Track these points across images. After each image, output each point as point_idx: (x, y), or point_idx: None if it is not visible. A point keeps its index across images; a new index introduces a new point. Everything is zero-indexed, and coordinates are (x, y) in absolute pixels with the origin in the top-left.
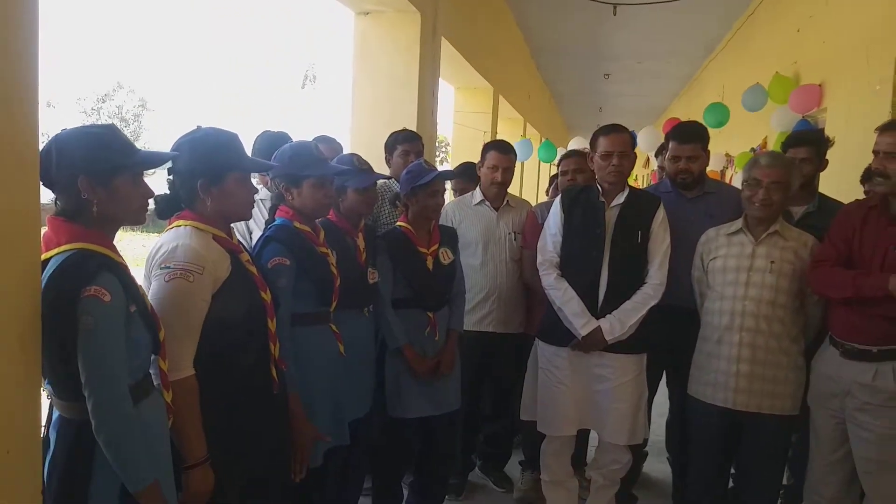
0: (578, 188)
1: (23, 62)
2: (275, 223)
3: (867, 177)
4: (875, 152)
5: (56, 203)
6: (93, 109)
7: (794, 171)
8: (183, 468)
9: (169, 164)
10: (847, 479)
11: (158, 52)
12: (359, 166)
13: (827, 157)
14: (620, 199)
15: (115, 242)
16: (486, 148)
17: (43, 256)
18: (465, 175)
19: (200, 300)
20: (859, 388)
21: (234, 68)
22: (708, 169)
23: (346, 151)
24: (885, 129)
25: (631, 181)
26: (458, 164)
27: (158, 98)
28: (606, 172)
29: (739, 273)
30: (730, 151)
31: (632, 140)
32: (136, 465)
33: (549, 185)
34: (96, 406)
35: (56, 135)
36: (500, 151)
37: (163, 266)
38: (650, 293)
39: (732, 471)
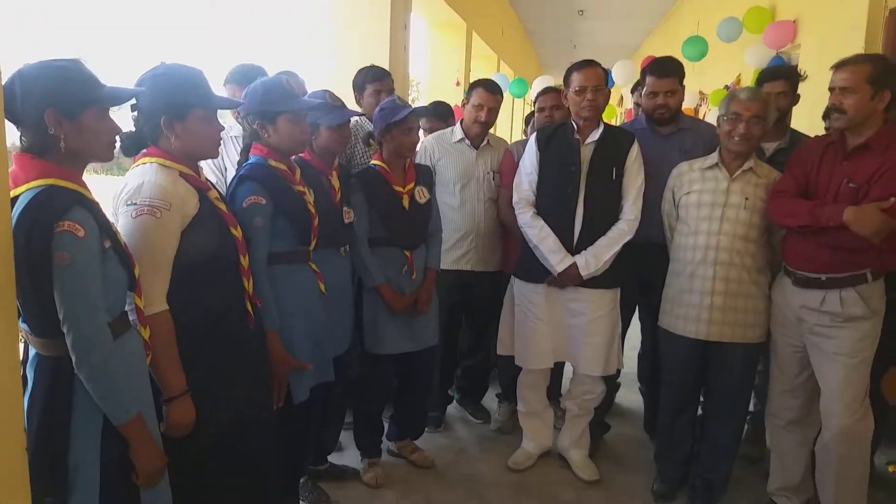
0: (554, 126)
1: None
2: (249, 161)
3: (827, 114)
4: (831, 89)
5: (21, 140)
6: None
7: (771, 106)
8: (163, 401)
9: (133, 101)
10: (806, 403)
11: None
12: (332, 103)
13: (799, 92)
14: (595, 136)
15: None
16: (474, 85)
17: (11, 194)
18: (437, 114)
19: (169, 236)
20: (808, 313)
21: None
22: (682, 106)
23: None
24: (839, 65)
25: (609, 117)
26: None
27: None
28: (581, 107)
29: (714, 208)
30: (703, 89)
31: (606, 76)
32: (119, 398)
33: (526, 124)
34: (76, 341)
35: (19, 69)
36: (488, 90)
37: (129, 203)
38: (625, 229)
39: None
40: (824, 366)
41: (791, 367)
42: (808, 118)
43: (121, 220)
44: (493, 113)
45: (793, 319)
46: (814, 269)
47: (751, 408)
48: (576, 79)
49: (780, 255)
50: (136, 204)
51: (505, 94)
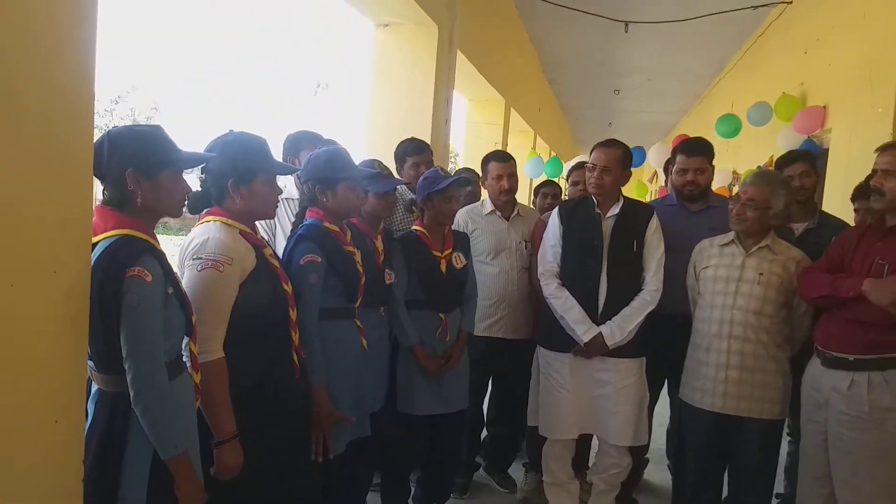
0: (577, 200)
1: (82, 62)
2: (306, 223)
3: (858, 194)
4: (874, 171)
5: (104, 193)
6: (105, 111)
7: (779, 191)
8: (214, 444)
9: (203, 165)
10: (833, 493)
11: (171, 55)
12: (380, 172)
13: (829, 174)
14: (615, 210)
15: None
16: (486, 160)
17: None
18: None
19: (229, 288)
20: (836, 397)
21: (247, 73)
22: (715, 185)
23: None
24: (883, 149)
25: (640, 195)
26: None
27: (171, 101)
28: (588, 184)
29: (729, 283)
30: (737, 168)
31: (621, 156)
32: (169, 434)
33: (534, 195)
34: (136, 377)
35: (108, 131)
36: (500, 160)
37: (195, 257)
38: (647, 299)
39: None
40: (840, 458)
41: (818, 455)
42: (840, 199)
43: (186, 272)
44: (513, 179)
45: (821, 403)
46: (842, 348)
47: (781, 489)
48: (591, 156)
49: (799, 331)
50: (201, 258)
51: (540, 171)
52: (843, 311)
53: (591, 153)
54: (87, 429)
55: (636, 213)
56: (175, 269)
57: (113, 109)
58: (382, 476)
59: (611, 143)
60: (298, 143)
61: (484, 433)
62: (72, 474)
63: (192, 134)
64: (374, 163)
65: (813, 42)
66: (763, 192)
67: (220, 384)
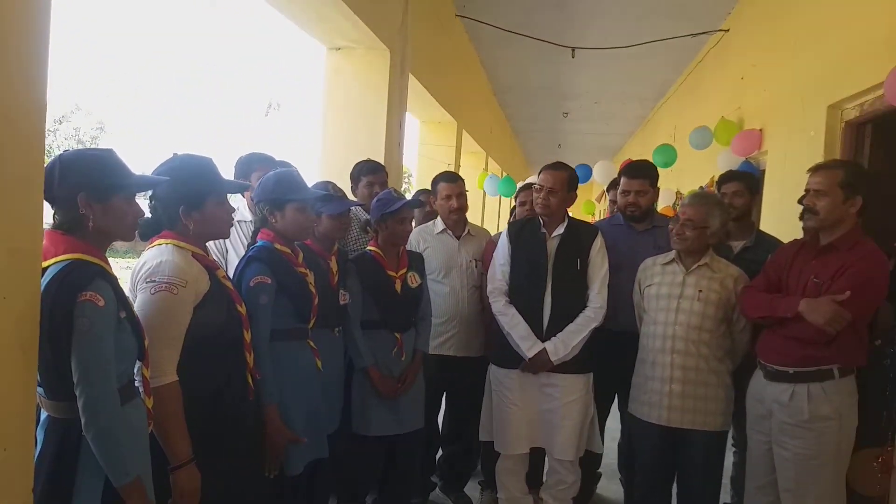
0: (524, 221)
1: (32, 84)
2: (257, 244)
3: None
4: (806, 190)
5: (54, 217)
6: (49, 131)
7: (715, 211)
8: (170, 469)
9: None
10: (777, 502)
11: (117, 74)
12: (334, 193)
13: (765, 194)
14: (560, 230)
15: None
16: (435, 181)
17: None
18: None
19: (183, 311)
20: (778, 408)
21: (197, 94)
22: (660, 205)
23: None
24: (814, 169)
25: (588, 213)
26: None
27: (117, 121)
28: (535, 204)
29: (671, 300)
30: (680, 189)
31: (567, 179)
32: (121, 460)
33: (510, 216)
34: (87, 403)
35: (59, 155)
36: (449, 181)
37: (148, 280)
38: (591, 316)
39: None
40: (784, 467)
41: (763, 464)
42: (775, 218)
43: (140, 295)
44: (462, 198)
45: (765, 414)
46: (782, 361)
47: (728, 499)
48: (539, 178)
49: (739, 345)
50: (155, 281)
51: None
52: (782, 329)
53: (538, 175)
54: (36, 457)
55: (580, 233)
56: (127, 293)
57: (56, 129)
58: (338, 497)
59: (558, 166)
60: (250, 164)
61: (439, 452)
62: (21, 503)
63: (140, 154)
64: (327, 185)
65: (749, 68)
66: (700, 212)
67: (174, 408)
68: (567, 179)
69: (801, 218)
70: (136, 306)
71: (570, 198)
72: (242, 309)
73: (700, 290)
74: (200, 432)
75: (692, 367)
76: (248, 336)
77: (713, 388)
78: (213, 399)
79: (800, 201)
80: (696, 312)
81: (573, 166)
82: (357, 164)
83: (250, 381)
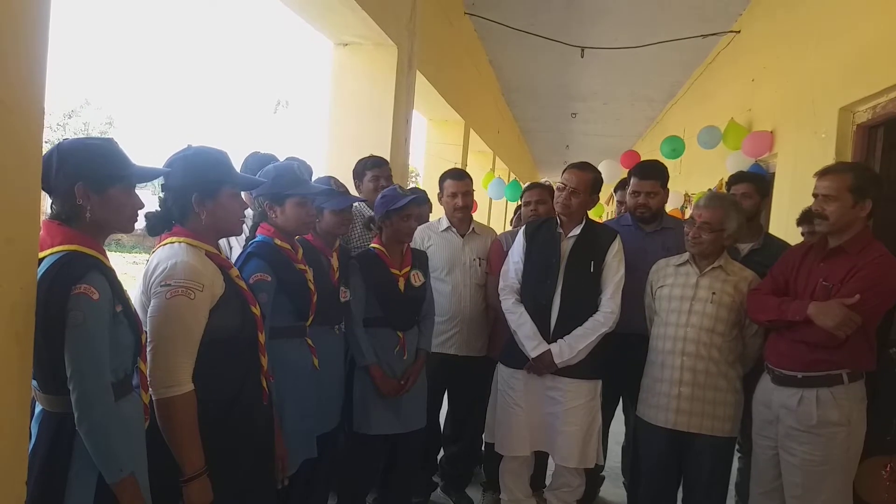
0: (542, 220)
1: (32, 73)
2: (256, 240)
3: (804, 219)
4: (815, 195)
5: (52, 207)
6: (59, 125)
7: (732, 214)
8: (182, 481)
9: (161, 181)
10: None
11: (127, 70)
12: (336, 188)
13: (775, 197)
14: (576, 231)
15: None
16: (442, 178)
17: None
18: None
19: (200, 316)
20: (786, 413)
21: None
22: (669, 207)
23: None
24: (822, 173)
25: (597, 216)
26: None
27: (126, 116)
28: (555, 203)
29: (683, 302)
30: (689, 191)
31: (592, 181)
32: (114, 457)
33: (514, 215)
34: (80, 397)
35: (58, 144)
36: (456, 178)
37: (163, 283)
38: (601, 320)
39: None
40: (791, 472)
41: (768, 469)
42: (785, 221)
43: (154, 300)
44: (468, 196)
45: (772, 419)
46: (791, 366)
47: None
48: (562, 177)
49: (751, 350)
50: (170, 285)
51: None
52: (791, 333)
53: (562, 173)
54: (30, 450)
55: (597, 235)
56: (130, 286)
57: (66, 124)
58: (338, 496)
59: (584, 167)
60: (262, 164)
61: (441, 452)
62: (14, 496)
63: (148, 150)
64: (329, 179)
65: (760, 70)
66: (717, 214)
67: (188, 418)
68: (591, 181)
69: (801, 223)
70: (151, 311)
71: (593, 200)
72: (257, 310)
73: (713, 293)
74: (214, 439)
75: (702, 370)
76: (262, 338)
77: (722, 393)
78: (227, 404)
79: (807, 211)
80: (709, 315)
81: None
82: (360, 160)
83: (265, 384)
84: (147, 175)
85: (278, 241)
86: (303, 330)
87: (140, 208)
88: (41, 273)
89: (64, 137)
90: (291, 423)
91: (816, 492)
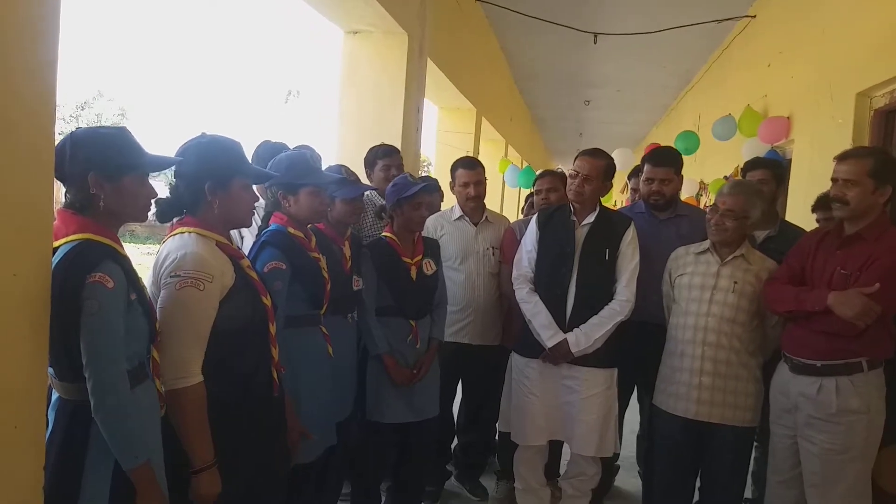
0: (554, 207)
1: (43, 63)
2: (269, 228)
3: (819, 205)
4: (834, 180)
5: (66, 196)
6: (71, 117)
7: (755, 201)
8: (191, 472)
9: (174, 169)
10: (801, 495)
11: (140, 61)
12: (347, 177)
13: (791, 184)
14: (590, 218)
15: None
16: (454, 167)
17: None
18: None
19: (210, 307)
20: (805, 402)
21: (217, 81)
22: (683, 194)
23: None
24: (842, 157)
25: (607, 202)
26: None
27: (138, 107)
28: (567, 190)
29: (704, 291)
30: (704, 178)
31: (605, 167)
32: (130, 443)
33: (525, 203)
34: (96, 385)
35: (71, 133)
36: (468, 168)
37: (173, 275)
38: (616, 309)
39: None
40: (810, 461)
41: (786, 458)
42: (802, 207)
43: (164, 291)
44: (480, 186)
45: (790, 408)
46: (809, 355)
47: (749, 494)
48: (574, 164)
49: (772, 340)
50: (180, 276)
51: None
52: (809, 322)
53: (574, 160)
54: (47, 437)
55: (612, 223)
56: (143, 277)
57: (79, 115)
58: (352, 485)
59: (596, 153)
60: (273, 153)
61: (454, 441)
62: (32, 481)
63: (160, 140)
64: (340, 168)
65: (776, 55)
66: (740, 201)
67: (198, 410)
68: (604, 168)
69: (816, 210)
70: (161, 302)
71: (606, 187)
72: (268, 301)
73: (735, 282)
74: (224, 431)
75: (723, 360)
76: (273, 329)
77: (743, 383)
78: (237, 396)
79: (823, 197)
80: (731, 305)
81: None
82: (371, 149)
83: (275, 376)
84: (160, 164)
85: (292, 230)
86: (317, 318)
87: (154, 197)
88: (56, 262)
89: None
90: (311, 412)
91: (836, 480)
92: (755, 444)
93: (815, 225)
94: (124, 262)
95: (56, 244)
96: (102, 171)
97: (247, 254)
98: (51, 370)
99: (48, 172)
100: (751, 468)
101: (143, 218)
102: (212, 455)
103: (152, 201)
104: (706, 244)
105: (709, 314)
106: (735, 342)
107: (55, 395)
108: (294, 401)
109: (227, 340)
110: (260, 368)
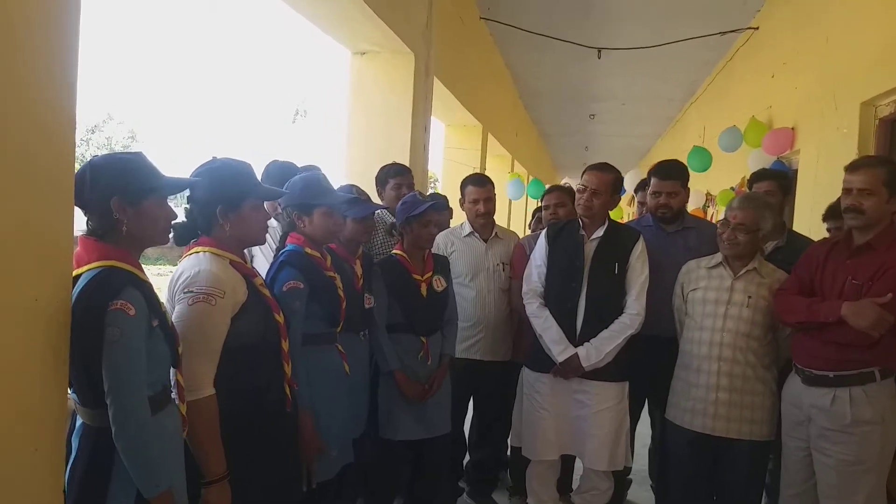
0: (563, 222)
1: (62, 93)
2: (287, 249)
3: (831, 214)
4: (847, 190)
5: (87, 223)
6: (82, 140)
7: (766, 214)
8: (202, 484)
9: (187, 193)
10: None
11: (149, 83)
12: (358, 197)
13: (798, 194)
14: (599, 232)
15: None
16: (464, 184)
17: (74, 273)
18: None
19: (222, 322)
20: (818, 414)
21: (225, 101)
22: (690, 206)
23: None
24: (854, 167)
25: (616, 217)
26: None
27: (148, 130)
28: (576, 205)
29: (718, 305)
30: (711, 190)
31: (613, 181)
32: (151, 472)
33: (532, 218)
34: (117, 413)
35: (90, 160)
36: (477, 185)
37: (186, 290)
38: (627, 322)
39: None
40: (826, 474)
41: (799, 471)
42: (808, 217)
43: (178, 306)
44: (489, 203)
45: (802, 420)
46: (822, 366)
47: None
48: (582, 178)
49: (785, 352)
50: (192, 292)
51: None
52: (821, 333)
53: (582, 174)
54: (70, 463)
55: (621, 237)
56: (163, 301)
57: (89, 139)
58: (366, 502)
59: (604, 168)
60: (282, 172)
61: (466, 457)
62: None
63: (170, 162)
64: (351, 188)
65: (779, 66)
66: (751, 215)
67: (210, 422)
68: (612, 182)
69: (827, 219)
70: (174, 317)
71: (614, 201)
72: (280, 318)
73: (749, 297)
74: (236, 445)
75: (739, 374)
76: (286, 345)
77: (760, 397)
78: (250, 411)
79: (834, 206)
80: (746, 319)
81: None
82: (383, 168)
83: (288, 391)
84: (177, 186)
85: (308, 250)
86: (333, 336)
87: (173, 219)
88: (79, 289)
89: (87, 153)
90: (330, 429)
91: (852, 492)
92: (770, 456)
93: (823, 234)
94: (146, 288)
95: (79, 271)
96: (125, 195)
97: (264, 274)
98: (74, 396)
99: (68, 199)
100: (765, 481)
101: (164, 241)
102: (223, 468)
103: (171, 224)
104: (718, 258)
105: (724, 329)
106: (750, 356)
107: (79, 421)
108: (314, 419)
109: (240, 356)
110: (272, 384)
